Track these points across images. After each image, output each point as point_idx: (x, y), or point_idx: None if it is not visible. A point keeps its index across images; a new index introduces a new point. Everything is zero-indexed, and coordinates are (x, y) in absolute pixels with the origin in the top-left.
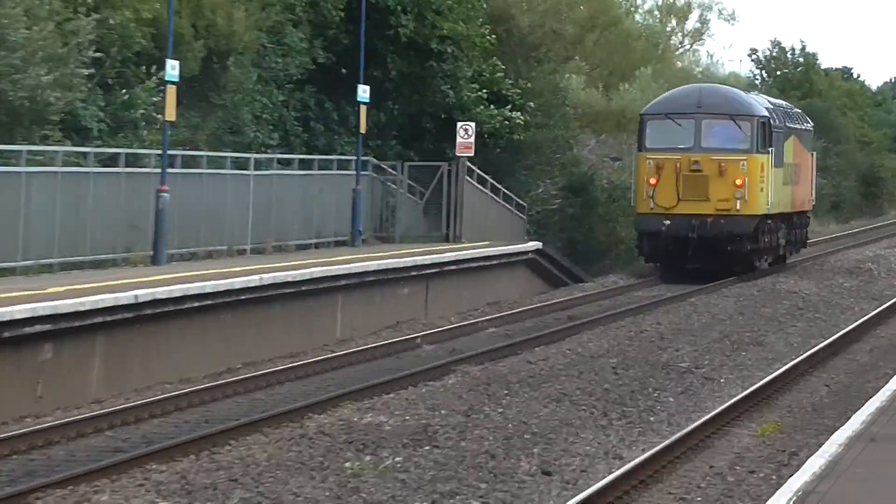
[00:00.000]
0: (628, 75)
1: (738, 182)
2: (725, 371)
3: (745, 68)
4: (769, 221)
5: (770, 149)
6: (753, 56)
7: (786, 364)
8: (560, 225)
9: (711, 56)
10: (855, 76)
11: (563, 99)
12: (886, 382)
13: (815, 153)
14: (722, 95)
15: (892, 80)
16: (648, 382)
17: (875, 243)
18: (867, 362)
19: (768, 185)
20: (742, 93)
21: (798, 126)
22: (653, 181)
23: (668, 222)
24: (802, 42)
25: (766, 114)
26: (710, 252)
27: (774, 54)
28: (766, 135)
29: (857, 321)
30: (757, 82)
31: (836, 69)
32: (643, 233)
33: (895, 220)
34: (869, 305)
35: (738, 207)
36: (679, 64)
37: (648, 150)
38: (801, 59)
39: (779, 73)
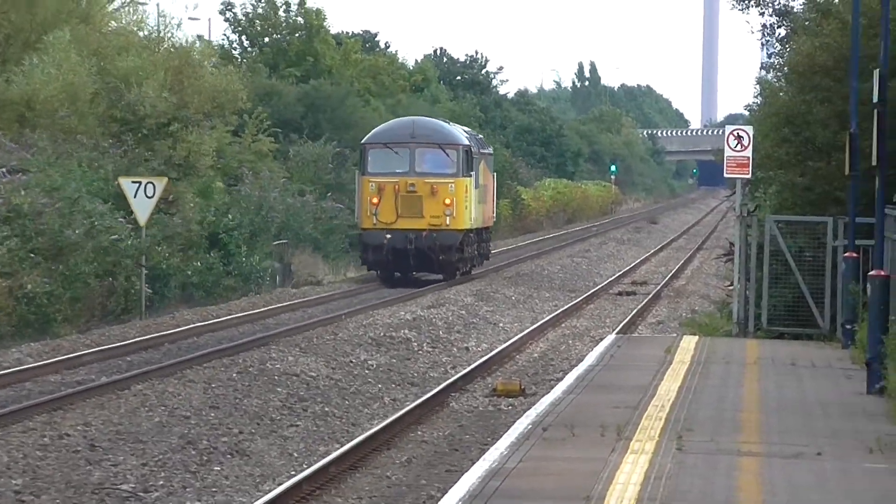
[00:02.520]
0: (35, 42)
1: (448, 202)
2: (191, 495)
3: (219, 32)
4: (471, 234)
5: (472, 173)
6: (228, 14)
7: (282, 484)
8: None
9: (165, 15)
10: (382, 46)
11: None
12: None
13: (495, 173)
14: (431, 127)
15: (437, 54)
16: None
17: (414, 299)
18: (402, 480)
19: (471, 204)
20: (447, 124)
21: (485, 151)
22: (375, 201)
23: (389, 236)
24: None
25: (468, 142)
26: (426, 261)
27: (260, 12)
28: (469, 161)
29: (387, 418)
30: (236, 54)
31: (355, 35)
32: (368, 245)
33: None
34: (405, 394)
35: (447, 223)
36: (113, 25)
37: (370, 174)
38: (300, 21)
39: (267, 39)
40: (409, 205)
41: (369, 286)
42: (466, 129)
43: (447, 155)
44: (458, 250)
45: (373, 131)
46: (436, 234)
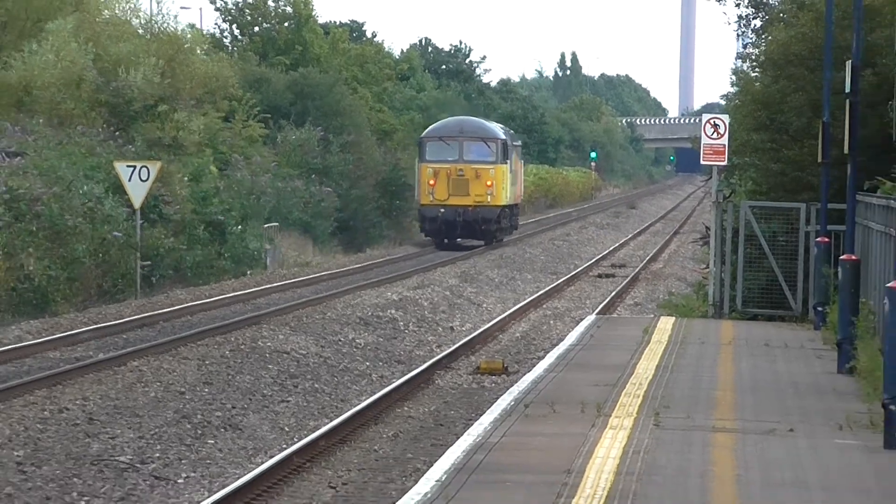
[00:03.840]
0: (32, 31)
1: (489, 183)
2: (185, 467)
3: (210, 21)
4: (506, 209)
5: (507, 161)
6: (219, 3)
7: (273, 457)
8: None
9: (160, 4)
10: (369, 36)
11: None
12: (415, 483)
13: (523, 161)
14: (476, 124)
15: (423, 43)
16: (72, 484)
17: (401, 281)
18: (389, 454)
19: (507, 185)
20: (488, 122)
21: (516, 144)
22: (431, 182)
23: (442, 210)
24: None
25: (504, 137)
26: (471, 230)
27: (250, 1)
28: (505, 151)
29: (375, 394)
30: (227, 42)
31: (342, 25)
32: (426, 217)
33: (416, 252)
34: (392, 371)
35: (488, 200)
36: (107, 14)
37: (428, 161)
38: (289, 10)
39: (257, 28)
40: (458, 186)
41: (355, 268)
42: (503, 126)
43: (488, 147)
44: (496, 222)
45: (429, 128)
46: (479, 208)
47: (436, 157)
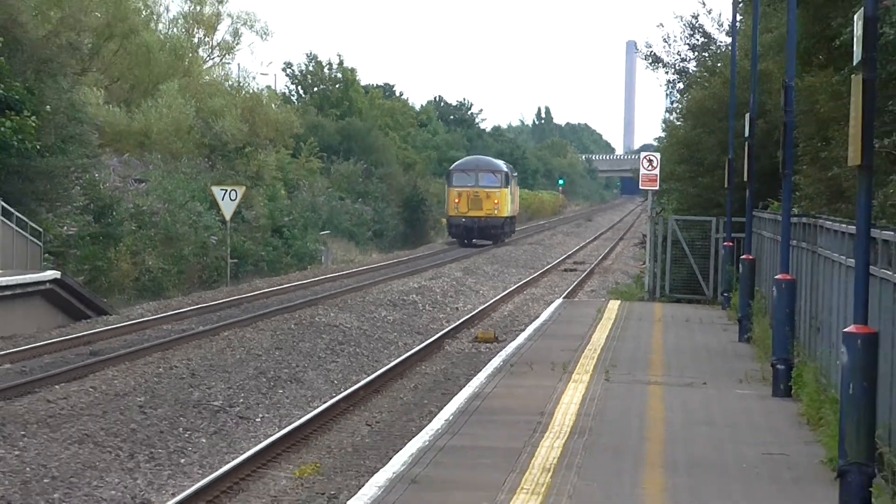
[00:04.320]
0: (152, 90)
1: (496, 202)
2: (261, 410)
3: (281, 83)
4: (507, 219)
5: (508, 186)
6: (288, 70)
7: (325, 402)
8: (82, 252)
9: (244, 70)
10: (398, 94)
11: (80, 116)
12: (430, 421)
13: (518, 186)
14: (487, 161)
15: (437, 99)
16: (179, 422)
17: (419, 273)
18: (411, 400)
19: (507, 203)
20: (495, 160)
21: (514, 174)
22: (457, 201)
23: (464, 220)
24: (340, 56)
25: (506, 170)
26: (484, 233)
27: (311, 69)
28: (507, 179)
29: (400, 357)
30: (293, 99)
31: (378, 86)
32: (452, 224)
33: (441, 249)
34: (413, 340)
35: (495, 213)
36: (207, 79)
37: (454, 186)
38: (339, 75)
39: (316, 89)
40: (475, 202)
41: (385, 264)
42: (505, 162)
43: (495, 176)
44: (501, 228)
45: (455, 163)
46: (489, 218)
47: (460, 183)
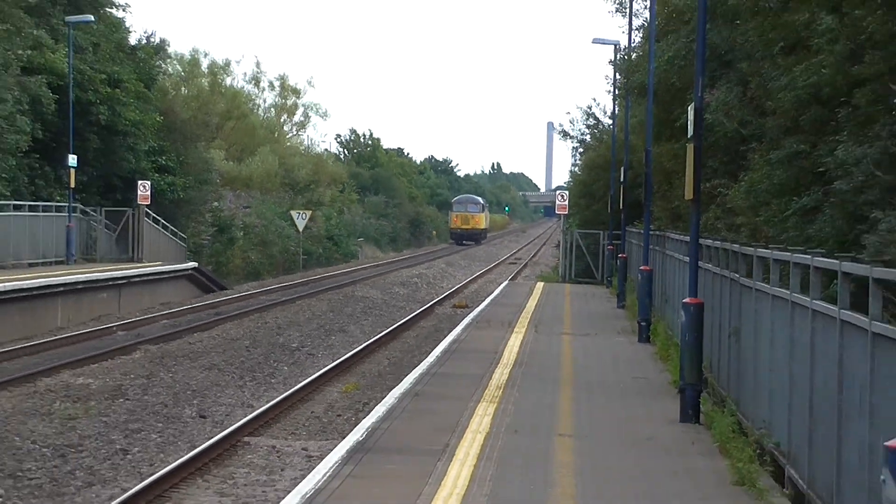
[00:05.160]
0: (253, 151)
1: (477, 220)
2: (321, 349)
3: (334, 147)
4: (483, 230)
5: (485, 212)
6: (338, 139)
7: (361, 345)
8: (211, 251)
9: (311, 140)
10: (406, 154)
11: (209, 167)
12: (426, 357)
13: (489, 212)
14: (473, 197)
15: (430, 158)
16: (270, 357)
17: (419, 265)
18: (414, 344)
19: (484, 222)
20: (476, 196)
21: (486, 204)
22: (455, 219)
23: (459, 230)
24: (370, 130)
25: (483, 202)
26: (471, 238)
27: (352, 138)
28: (484, 208)
29: (407, 317)
30: (342, 158)
31: (393, 149)
32: (453, 232)
33: (432, 251)
34: (415, 306)
35: (477, 226)
36: (288, 144)
37: (454, 211)
38: (370, 142)
39: (355, 150)
40: (465, 220)
41: (398, 260)
42: (482, 197)
43: (476, 206)
44: (479, 235)
45: (455, 198)
46: (473, 229)
47: (457, 210)
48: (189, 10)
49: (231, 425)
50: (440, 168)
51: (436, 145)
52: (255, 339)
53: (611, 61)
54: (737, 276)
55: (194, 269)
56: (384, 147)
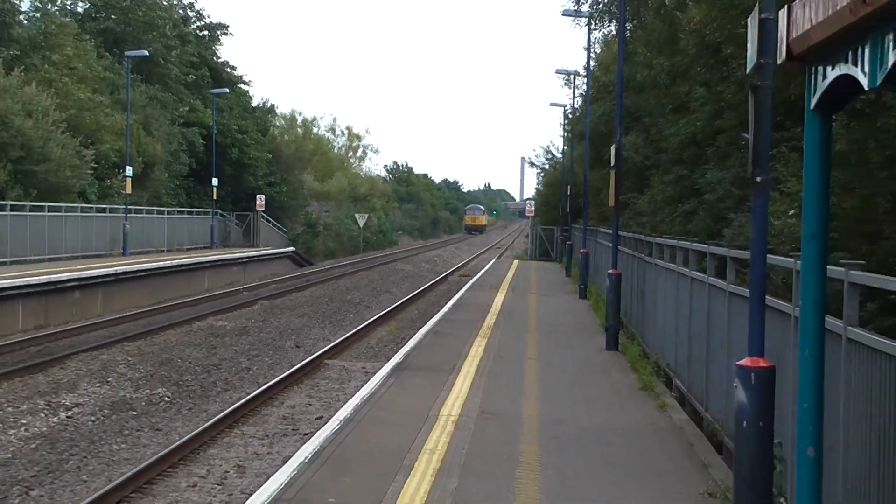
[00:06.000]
0: (331, 175)
1: (482, 220)
2: (374, 303)
3: (382, 172)
4: (485, 226)
5: (485, 214)
6: (385, 167)
7: (399, 301)
8: (303, 240)
9: (368, 168)
10: (428, 176)
11: (302, 186)
12: (440, 309)
13: (487, 215)
14: (479, 206)
15: (444, 179)
16: (342, 309)
17: (438, 249)
18: (434, 300)
19: (485, 221)
20: (480, 205)
21: (484, 210)
22: (468, 219)
23: (471, 225)
24: (406, 161)
25: (484, 209)
26: (477, 231)
27: (394, 166)
28: (487, 212)
29: (429, 282)
30: (387, 180)
31: (421, 173)
32: (467, 227)
33: (444, 240)
34: (435, 276)
35: (483, 223)
36: (353, 170)
37: (467, 214)
38: (406, 169)
39: (396, 175)
40: (474, 220)
41: (426, 245)
42: (483, 205)
43: (481, 211)
44: (482, 229)
45: (467, 206)
46: (478, 226)
47: (469, 213)
48: (289, 80)
49: (316, 352)
50: (451, 186)
51: (448, 169)
52: (331, 297)
53: (562, 116)
54: (642, 255)
55: (293, 251)
56: (415, 172)
